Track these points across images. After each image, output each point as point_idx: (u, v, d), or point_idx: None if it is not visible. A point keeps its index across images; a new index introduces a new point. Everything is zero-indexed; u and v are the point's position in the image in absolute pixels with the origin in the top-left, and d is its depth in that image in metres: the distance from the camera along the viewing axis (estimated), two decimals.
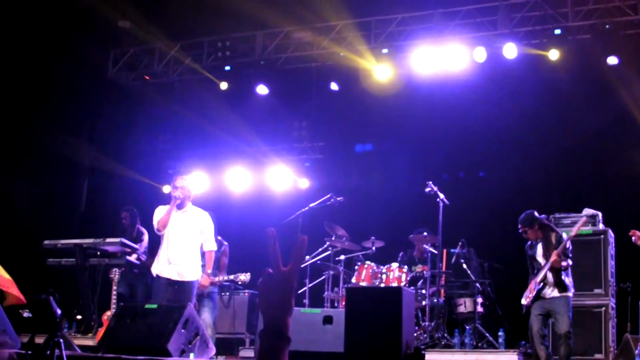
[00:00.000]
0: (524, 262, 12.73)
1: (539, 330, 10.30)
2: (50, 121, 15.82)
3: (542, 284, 10.36)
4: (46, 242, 13.35)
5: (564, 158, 14.02)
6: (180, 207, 10.65)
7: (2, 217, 15.55)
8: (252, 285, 14.38)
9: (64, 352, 8.35)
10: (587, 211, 11.98)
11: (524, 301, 10.60)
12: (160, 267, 10.54)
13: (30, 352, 8.55)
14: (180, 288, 10.45)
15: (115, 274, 12.61)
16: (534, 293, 10.41)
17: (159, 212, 10.71)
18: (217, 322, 13.32)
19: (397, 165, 15.29)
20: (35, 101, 15.96)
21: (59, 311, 8.65)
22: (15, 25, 15.29)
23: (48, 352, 8.16)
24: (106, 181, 17.43)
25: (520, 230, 10.66)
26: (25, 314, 9.22)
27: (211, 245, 10.98)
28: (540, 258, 10.55)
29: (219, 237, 12.61)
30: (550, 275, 10.34)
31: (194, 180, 11.14)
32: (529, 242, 10.83)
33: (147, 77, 17.21)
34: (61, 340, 8.37)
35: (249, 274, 12.21)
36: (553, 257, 10.23)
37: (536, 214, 10.62)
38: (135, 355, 8.69)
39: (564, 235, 10.42)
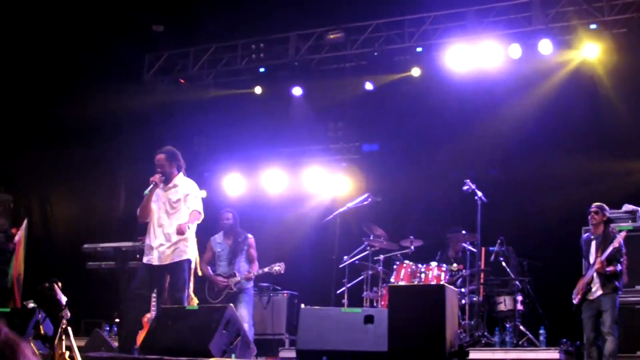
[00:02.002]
0: (563, 259, 12.70)
1: (590, 331, 10.26)
2: (87, 127, 15.91)
3: (588, 285, 10.31)
4: (85, 245, 13.47)
5: (601, 154, 13.91)
6: (165, 182, 10.25)
7: (43, 223, 15.70)
8: (291, 285, 14.43)
9: (72, 339, 8.45)
10: (627, 207, 11.91)
11: (574, 300, 10.55)
12: (146, 252, 10.17)
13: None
14: (168, 272, 10.06)
15: None
16: (581, 294, 10.36)
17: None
18: (256, 323, 13.37)
19: (433, 164, 15.24)
20: (73, 107, 16.05)
21: (64, 298, 8.76)
22: (51, 30, 15.40)
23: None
24: (144, 184, 17.48)
25: (592, 210, 10.58)
26: (30, 305, 9.30)
27: (194, 205, 10.17)
28: (592, 257, 10.50)
29: (242, 231, 12.70)
30: (597, 277, 10.28)
31: (173, 154, 10.44)
32: (585, 237, 10.78)
33: (182, 80, 17.27)
34: (69, 328, 8.51)
35: (282, 263, 12.24)
36: (597, 265, 10.20)
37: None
38: (177, 356, 8.74)
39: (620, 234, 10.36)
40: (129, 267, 13.47)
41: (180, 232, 9.78)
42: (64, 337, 8.35)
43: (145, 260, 10.11)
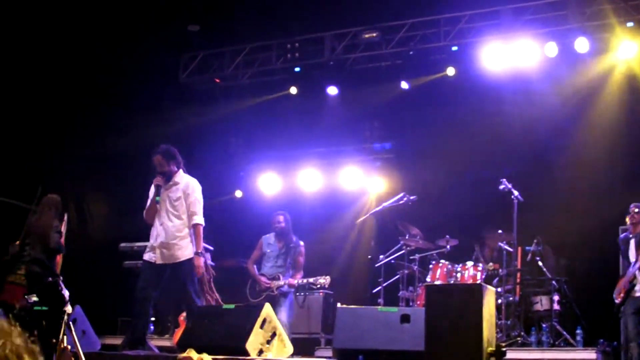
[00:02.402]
0: (600, 258, 12.64)
1: (633, 328, 10.21)
2: (123, 126, 16.01)
3: (630, 283, 10.25)
4: (122, 244, 13.57)
5: (638, 153, 13.83)
6: (168, 181, 10.16)
7: (79, 221, 15.80)
8: (328, 285, 14.44)
9: (74, 334, 8.53)
10: None
11: (616, 300, 10.50)
12: (149, 250, 10.16)
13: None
14: (172, 271, 9.97)
15: None
16: (624, 293, 10.31)
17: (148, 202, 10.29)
18: (292, 322, 13.39)
19: (469, 163, 15.20)
20: (108, 106, 16.18)
21: (66, 292, 8.82)
22: (88, 31, 15.50)
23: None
24: None
25: (632, 209, 10.53)
26: (33, 299, 9.33)
27: (197, 219, 10.09)
28: (632, 256, 10.45)
29: (295, 237, 12.68)
30: (639, 275, 10.24)
31: (169, 152, 10.33)
32: (623, 236, 10.73)
33: (217, 81, 17.33)
34: (71, 322, 8.58)
35: (328, 277, 12.18)
36: (639, 264, 10.15)
37: None
38: (213, 355, 8.78)
39: None
40: None
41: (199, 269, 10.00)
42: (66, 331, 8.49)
43: (147, 258, 10.10)
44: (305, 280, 12.23)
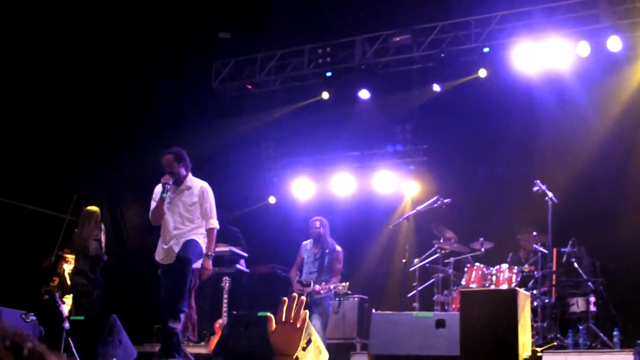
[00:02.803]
0: (636, 259, 12.54)
1: None
2: (156, 133, 16.09)
3: None
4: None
5: None
6: (176, 183, 10.03)
7: (115, 230, 15.92)
8: (361, 288, 14.45)
9: (73, 349, 8.56)
10: None
11: None
12: (158, 252, 10.04)
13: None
14: (173, 270, 9.81)
15: (226, 283, 12.71)
16: None
17: (153, 203, 10.10)
18: (328, 327, 13.40)
19: (502, 165, 15.17)
20: (142, 114, 16.28)
21: (64, 309, 8.84)
22: (121, 39, 15.61)
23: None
24: (213, 190, 17.65)
25: None
26: (30, 318, 9.34)
27: (212, 223, 10.09)
28: None
29: (332, 242, 12.68)
30: None
31: (180, 155, 10.16)
32: None
33: (249, 87, 17.39)
34: (70, 338, 8.60)
35: (347, 283, 12.14)
36: None
37: None
38: None
39: None
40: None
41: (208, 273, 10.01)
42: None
43: (160, 260, 10.01)
44: (326, 288, 12.18)
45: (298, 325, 3.52)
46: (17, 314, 10.89)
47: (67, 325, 8.83)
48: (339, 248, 12.61)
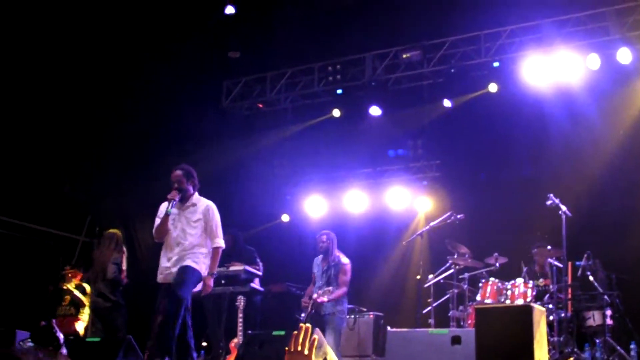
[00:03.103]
0: None
1: None
2: (168, 152, 16.10)
3: None
4: None
5: None
6: (182, 200, 9.94)
7: (129, 249, 15.93)
8: (376, 305, 14.43)
9: None
10: None
11: None
12: (163, 272, 9.89)
13: None
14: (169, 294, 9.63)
15: (241, 301, 12.69)
16: None
17: (157, 220, 10.02)
18: (343, 344, 13.37)
19: (514, 179, 15.13)
20: (153, 133, 16.32)
21: (61, 335, 8.88)
22: (131, 57, 15.67)
23: None
24: (225, 209, 17.67)
25: None
26: (28, 344, 9.39)
27: (218, 242, 9.99)
28: None
29: (338, 255, 12.67)
30: None
31: (190, 172, 10.14)
32: None
33: (260, 105, 17.43)
34: None
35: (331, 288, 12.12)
36: None
37: None
38: None
39: None
40: (214, 292, 13.60)
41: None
42: None
43: (161, 280, 9.88)
44: (323, 298, 12.16)
45: (306, 353, 3.58)
46: None
47: (64, 351, 8.88)
48: (345, 260, 12.60)
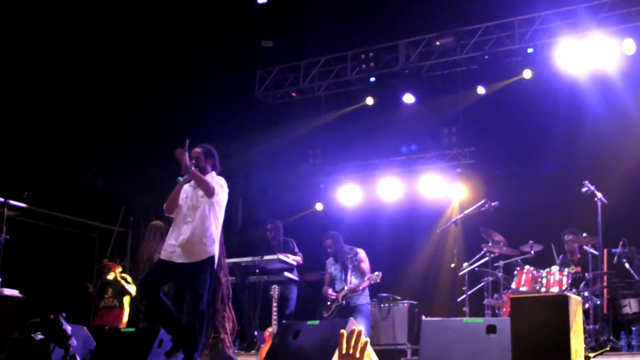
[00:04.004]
0: None
1: None
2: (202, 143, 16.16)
3: None
4: None
5: None
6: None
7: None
8: (410, 294, 14.42)
9: None
10: None
11: None
12: (168, 248, 9.49)
13: None
14: (187, 271, 9.36)
15: (275, 291, 12.72)
16: None
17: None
18: (378, 333, 13.40)
19: (549, 165, 15.04)
20: (187, 125, 16.36)
21: (69, 328, 9.01)
22: (165, 49, 15.72)
23: None
24: (259, 198, 17.73)
25: None
26: (39, 337, 9.51)
27: (219, 201, 9.62)
28: None
29: (349, 249, 12.72)
30: None
31: (210, 152, 9.85)
32: None
33: (293, 94, 17.44)
34: (76, 355, 8.79)
35: (380, 272, 12.21)
36: None
37: None
38: None
39: None
40: (248, 282, 13.67)
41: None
42: None
43: (165, 257, 9.46)
44: (362, 284, 12.23)
45: (358, 356, 3.58)
46: (76, 328, 11.01)
47: (73, 342, 9.01)
48: (359, 250, 12.70)
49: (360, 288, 12.33)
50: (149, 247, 12.69)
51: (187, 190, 9.67)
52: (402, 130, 16.46)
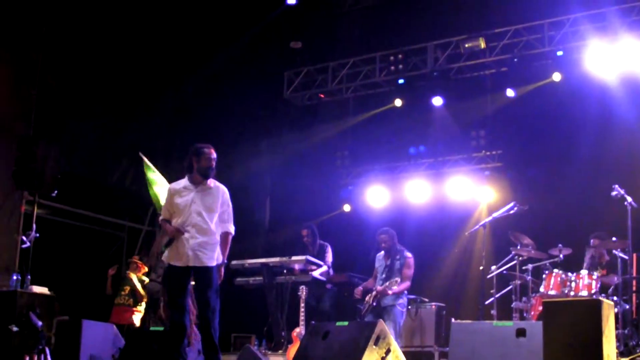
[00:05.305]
0: None
1: None
2: (230, 145, 16.21)
3: None
4: (233, 262, 13.71)
5: None
6: (200, 183, 9.39)
7: None
8: (437, 296, 14.39)
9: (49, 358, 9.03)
10: None
11: None
12: (174, 254, 9.29)
13: None
14: (198, 275, 9.19)
15: (303, 291, 12.73)
16: None
17: (168, 197, 9.52)
18: (405, 335, 13.36)
19: (578, 169, 14.95)
20: (217, 125, 16.43)
21: (39, 323, 9.24)
22: (196, 50, 15.78)
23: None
24: (287, 199, 17.75)
25: None
26: (14, 329, 9.78)
27: (230, 227, 9.46)
28: None
29: (400, 249, 12.63)
30: None
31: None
32: None
33: (321, 96, 17.46)
34: (47, 348, 9.05)
35: (398, 278, 12.13)
36: None
37: None
38: None
39: None
40: (276, 282, 13.67)
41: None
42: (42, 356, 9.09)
43: (179, 264, 9.25)
44: (393, 288, 12.14)
45: None
46: (99, 325, 11.06)
47: (44, 336, 9.49)
48: (408, 254, 12.51)
49: (390, 293, 12.19)
50: (160, 242, 12.72)
51: (194, 196, 9.41)
52: (430, 132, 16.43)
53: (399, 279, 12.03)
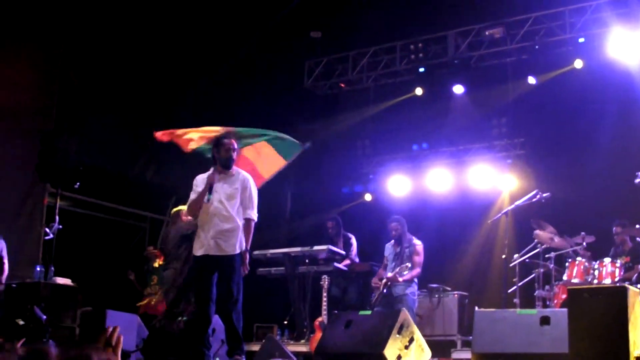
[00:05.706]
0: None
1: None
2: None
3: None
4: (256, 252, 13.73)
5: None
6: (227, 167, 9.47)
7: None
8: (460, 284, 14.38)
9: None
10: None
11: None
12: (199, 244, 9.34)
13: None
14: (222, 264, 9.20)
15: (325, 281, 12.74)
16: None
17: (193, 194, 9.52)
18: (427, 323, 13.36)
19: (601, 156, 14.86)
20: (237, 115, 16.41)
21: (43, 317, 9.33)
22: (216, 41, 15.79)
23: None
24: (309, 189, 17.75)
25: None
26: (21, 322, 9.91)
27: (253, 214, 9.44)
28: None
29: (409, 237, 12.64)
30: None
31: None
32: None
33: (342, 85, 17.44)
34: (51, 341, 9.17)
35: (409, 264, 12.13)
36: None
37: None
38: None
39: None
40: (298, 272, 13.69)
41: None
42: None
43: (201, 253, 9.30)
44: (404, 276, 12.14)
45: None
46: (123, 316, 11.11)
47: (48, 330, 9.65)
48: (417, 241, 12.58)
49: (401, 280, 12.22)
50: (168, 232, 12.75)
51: (222, 181, 9.48)
52: (451, 121, 16.38)
53: (409, 264, 12.09)
